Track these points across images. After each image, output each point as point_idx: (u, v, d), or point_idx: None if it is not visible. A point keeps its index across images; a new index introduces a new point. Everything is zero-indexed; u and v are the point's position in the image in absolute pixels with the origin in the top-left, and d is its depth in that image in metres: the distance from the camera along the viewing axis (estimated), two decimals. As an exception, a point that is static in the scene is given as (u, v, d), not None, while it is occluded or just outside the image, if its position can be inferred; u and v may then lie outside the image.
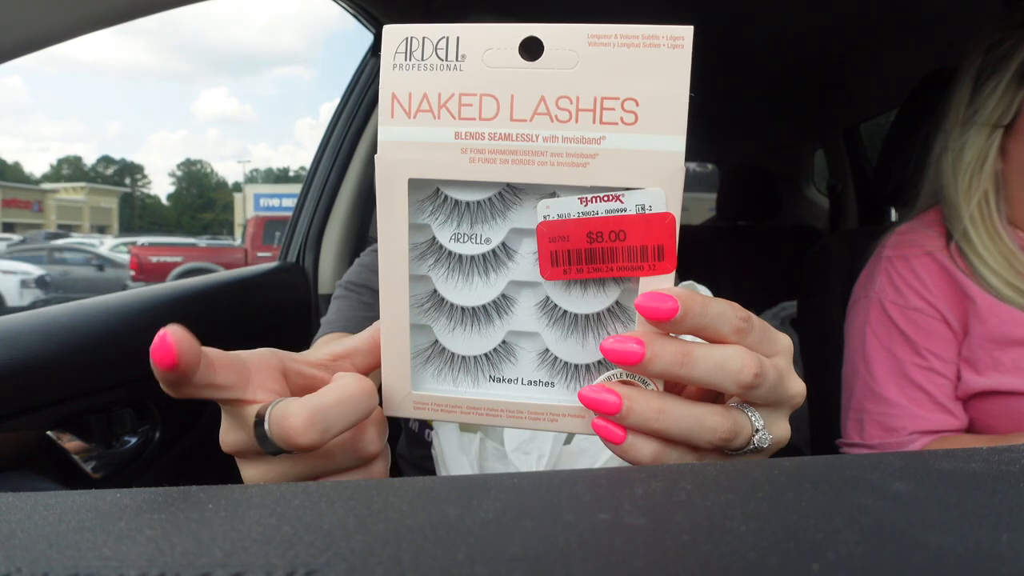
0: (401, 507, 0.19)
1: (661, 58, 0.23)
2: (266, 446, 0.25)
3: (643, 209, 0.24)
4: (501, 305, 0.27)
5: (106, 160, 64.89)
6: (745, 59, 1.54)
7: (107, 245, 15.71)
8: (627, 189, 0.24)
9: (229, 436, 0.28)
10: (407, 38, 0.24)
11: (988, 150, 0.65)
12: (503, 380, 0.27)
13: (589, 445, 0.56)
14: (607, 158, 0.24)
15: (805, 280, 1.08)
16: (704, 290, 0.46)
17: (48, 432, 0.67)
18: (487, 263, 0.26)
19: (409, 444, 0.76)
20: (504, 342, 0.27)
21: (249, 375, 0.26)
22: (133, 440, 0.78)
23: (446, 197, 0.26)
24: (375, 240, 0.84)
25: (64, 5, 0.48)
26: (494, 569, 0.14)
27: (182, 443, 0.84)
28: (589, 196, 0.25)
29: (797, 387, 0.28)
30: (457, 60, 0.24)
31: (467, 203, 0.26)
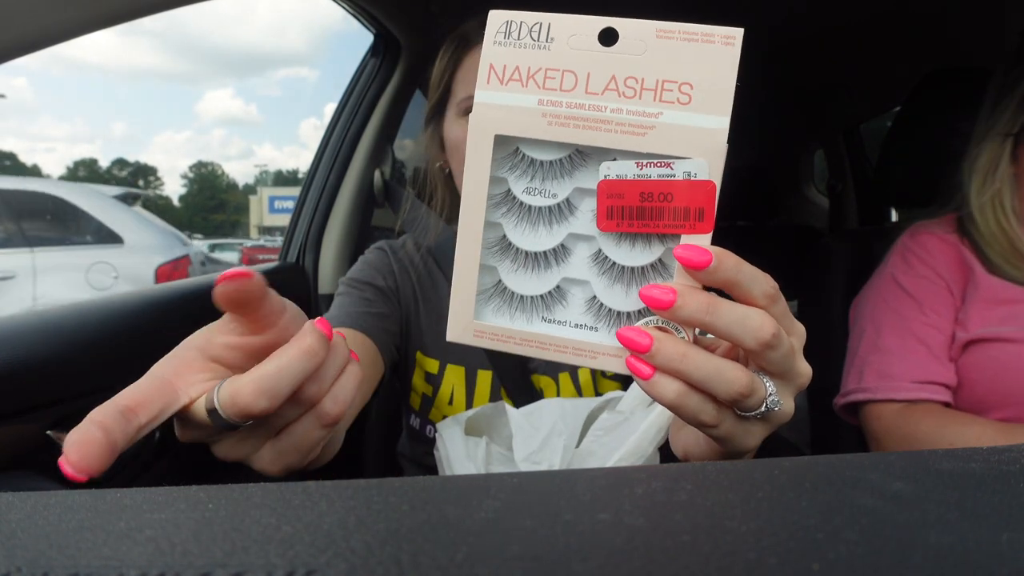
0: (401, 507, 0.19)
1: (715, 52, 0.28)
2: (224, 424, 0.28)
3: (689, 176, 0.28)
4: (559, 253, 0.31)
5: (120, 163, 65.94)
6: (745, 58, 1.54)
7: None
8: (677, 158, 0.28)
9: (185, 434, 0.30)
10: (508, 21, 0.29)
11: (1000, 156, 0.74)
12: (553, 321, 0.31)
13: (598, 448, 0.56)
14: (663, 130, 0.28)
15: (805, 280, 1.08)
16: None
17: (48, 432, 0.67)
18: (552, 215, 0.30)
19: (410, 441, 0.76)
20: (558, 287, 0.31)
21: (172, 391, 0.28)
22: (133, 440, 0.78)
23: (524, 155, 0.30)
24: (377, 238, 0.84)
25: (65, 5, 0.48)
26: (494, 569, 0.14)
27: (182, 443, 0.83)
28: (645, 161, 0.28)
29: (806, 369, 0.31)
30: (547, 41, 0.29)
31: (541, 161, 0.30)
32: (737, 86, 0.28)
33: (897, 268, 0.80)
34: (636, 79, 0.28)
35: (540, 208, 0.30)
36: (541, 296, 0.31)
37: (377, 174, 1.16)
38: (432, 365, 0.72)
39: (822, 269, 1.02)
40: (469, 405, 0.70)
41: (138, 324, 0.79)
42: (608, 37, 0.28)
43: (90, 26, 0.50)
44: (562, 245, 0.30)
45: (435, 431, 0.68)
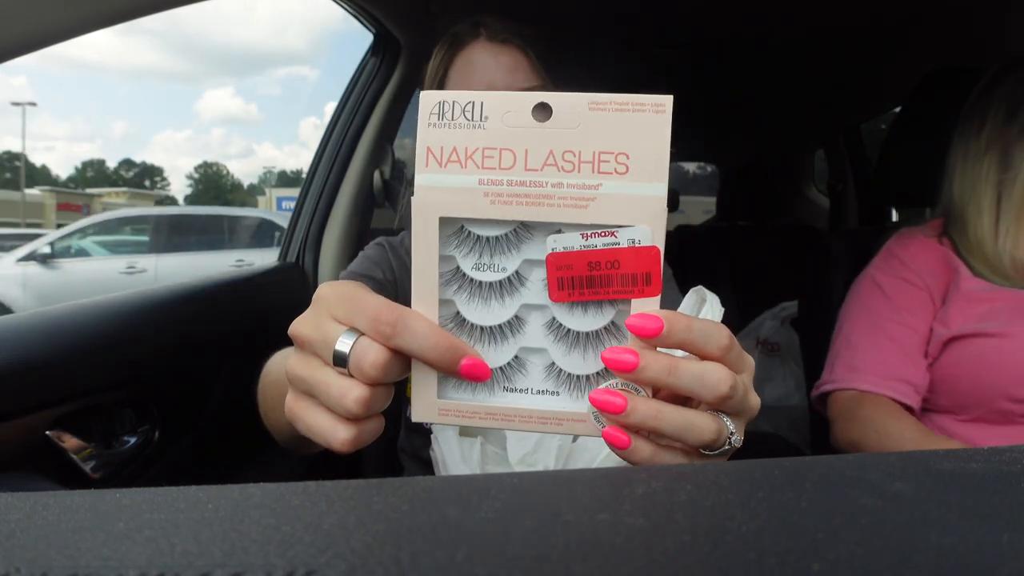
0: (401, 507, 0.19)
1: (647, 121, 0.28)
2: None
3: (633, 243, 0.29)
4: (514, 324, 0.31)
5: (127, 163, 67.31)
6: (746, 59, 1.54)
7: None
8: (620, 226, 0.29)
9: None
10: (440, 102, 0.29)
11: None
12: (515, 390, 0.31)
13: (592, 443, 0.56)
14: (603, 201, 0.29)
15: (805, 280, 1.08)
16: (712, 297, 0.47)
17: (48, 432, 0.67)
18: (503, 288, 0.31)
19: (408, 434, 0.77)
20: (516, 357, 0.31)
21: None
22: (133, 440, 0.78)
23: (469, 232, 0.30)
24: (377, 235, 0.84)
25: (65, 4, 0.48)
26: (494, 569, 0.14)
27: (182, 443, 0.84)
28: (589, 232, 0.29)
29: (756, 402, 0.33)
30: (481, 120, 0.29)
31: (487, 237, 0.30)
32: (672, 152, 0.28)
33: (878, 269, 0.83)
34: (573, 153, 0.29)
35: (491, 283, 0.31)
36: (500, 368, 0.31)
37: (377, 174, 1.16)
38: None
39: (822, 269, 1.02)
40: None
41: (139, 324, 0.79)
42: (543, 110, 0.29)
43: (90, 25, 0.50)
44: (516, 316, 0.31)
45: (430, 424, 0.69)
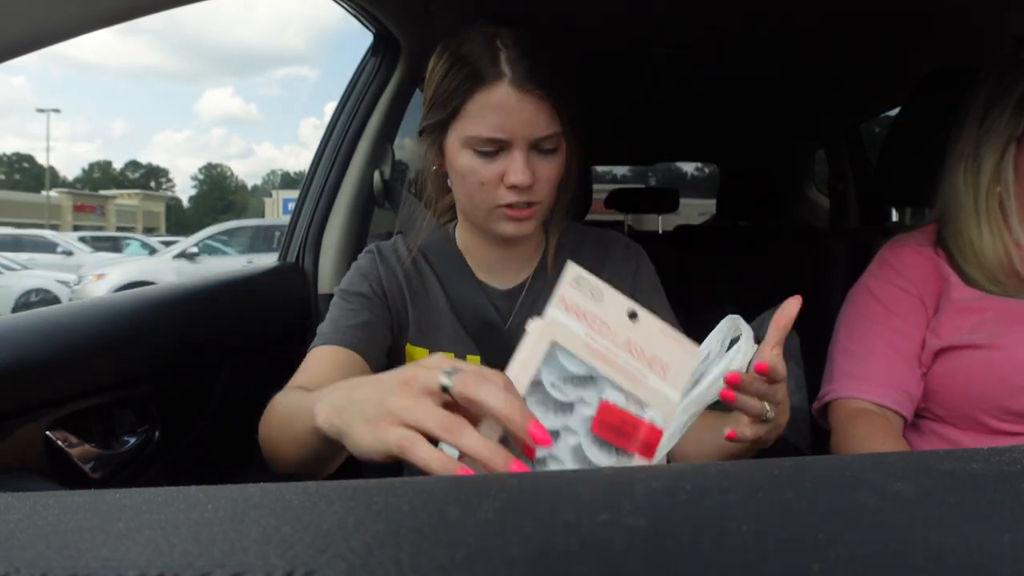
0: (401, 507, 0.19)
1: (685, 356, 0.45)
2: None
3: (652, 421, 0.43)
4: (553, 436, 0.41)
5: (133, 164, 69.18)
6: (746, 59, 1.54)
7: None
8: (648, 406, 0.43)
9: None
10: (578, 276, 0.44)
11: (1001, 162, 0.74)
12: None
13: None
14: (647, 385, 0.43)
15: (805, 280, 1.08)
16: (747, 329, 0.53)
17: (48, 432, 0.67)
18: (559, 407, 0.44)
19: None
20: (543, 459, 0.43)
21: None
22: (133, 440, 0.78)
23: (560, 363, 0.43)
24: (375, 239, 0.85)
25: (65, 4, 0.48)
26: (494, 569, 0.14)
27: (182, 443, 0.84)
28: (631, 399, 0.43)
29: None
30: (600, 300, 0.44)
31: (569, 371, 0.43)
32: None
33: (872, 277, 0.83)
34: (642, 349, 0.44)
35: (555, 399, 0.43)
36: (531, 462, 0.40)
37: (376, 174, 1.16)
38: (421, 354, 0.75)
39: (822, 269, 1.02)
40: None
41: (139, 325, 0.79)
42: (632, 314, 0.44)
43: (90, 25, 0.50)
44: (556, 431, 0.43)
45: None
